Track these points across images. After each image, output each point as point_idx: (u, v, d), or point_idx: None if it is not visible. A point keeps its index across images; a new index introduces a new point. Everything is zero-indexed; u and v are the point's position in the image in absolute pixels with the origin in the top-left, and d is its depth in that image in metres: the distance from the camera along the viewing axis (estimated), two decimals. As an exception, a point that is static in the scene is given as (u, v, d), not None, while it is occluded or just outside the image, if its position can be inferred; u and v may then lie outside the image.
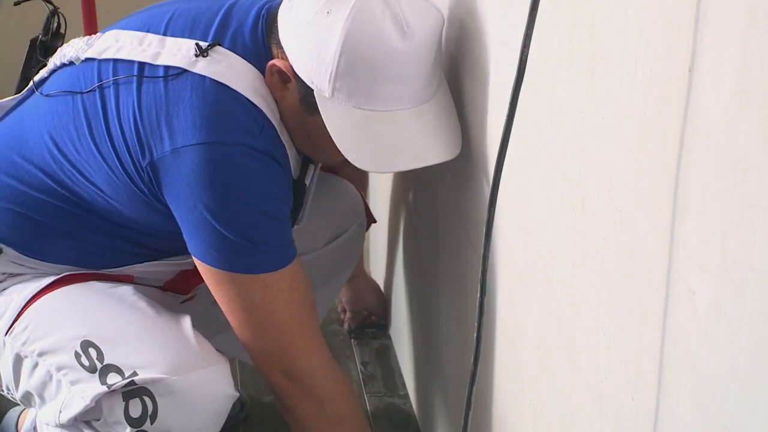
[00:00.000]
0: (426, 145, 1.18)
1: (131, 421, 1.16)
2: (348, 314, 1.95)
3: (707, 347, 0.61)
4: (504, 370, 1.10)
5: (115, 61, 1.23)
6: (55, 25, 1.52)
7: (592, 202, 0.79)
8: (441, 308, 1.45)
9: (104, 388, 1.16)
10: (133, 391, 1.16)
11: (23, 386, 1.26)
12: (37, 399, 1.26)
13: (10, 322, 1.26)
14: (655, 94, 0.66)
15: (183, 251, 1.24)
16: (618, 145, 0.73)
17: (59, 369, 1.21)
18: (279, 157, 1.21)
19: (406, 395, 1.78)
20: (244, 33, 1.22)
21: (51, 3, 1.54)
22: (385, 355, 1.90)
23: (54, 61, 1.31)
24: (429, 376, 1.60)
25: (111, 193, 1.24)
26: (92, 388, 1.17)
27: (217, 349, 1.25)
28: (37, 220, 1.28)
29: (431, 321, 1.53)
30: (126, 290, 1.30)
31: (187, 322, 1.25)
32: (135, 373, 1.16)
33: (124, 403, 1.16)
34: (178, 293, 1.44)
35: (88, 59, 1.26)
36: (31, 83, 1.33)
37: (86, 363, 1.19)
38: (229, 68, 1.19)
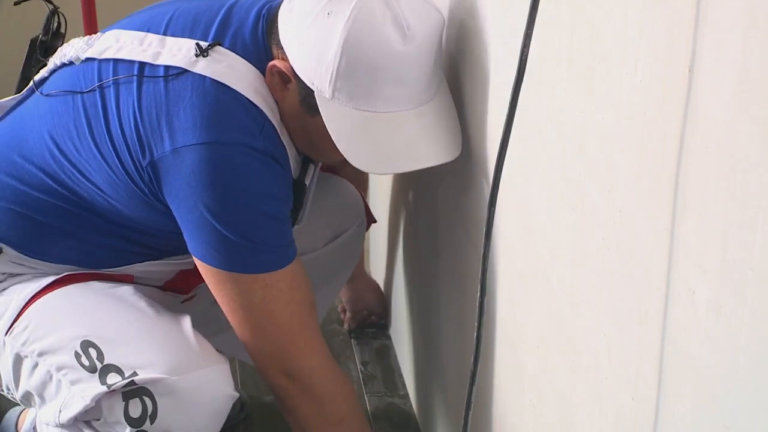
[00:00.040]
0: (426, 147, 1.18)
1: (131, 421, 1.16)
2: (348, 314, 1.95)
3: (707, 347, 0.61)
4: (504, 370, 1.10)
5: (116, 61, 1.23)
6: (55, 24, 1.52)
7: (592, 202, 0.79)
8: (441, 308, 1.45)
9: (104, 388, 1.16)
10: (133, 391, 1.16)
11: (23, 386, 1.26)
12: (37, 399, 1.26)
13: (10, 322, 1.26)
14: (655, 94, 0.66)
15: (183, 251, 1.24)
16: (618, 145, 0.73)
17: (59, 369, 1.21)
18: (279, 157, 1.21)
19: (406, 395, 1.78)
20: (245, 33, 1.22)
21: (51, 3, 1.54)
22: (385, 355, 1.90)
23: (54, 60, 1.31)
24: (429, 376, 1.60)
25: (111, 192, 1.24)
26: (92, 388, 1.17)
27: (217, 349, 1.25)
28: (37, 219, 1.28)
29: (431, 321, 1.53)
30: (126, 290, 1.30)
31: (187, 322, 1.25)
32: (135, 373, 1.16)
33: (123, 403, 1.16)
34: (178, 293, 1.44)
35: (88, 59, 1.26)
36: (31, 83, 1.33)
37: (86, 363, 1.19)
38: (229, 68, 1.19)
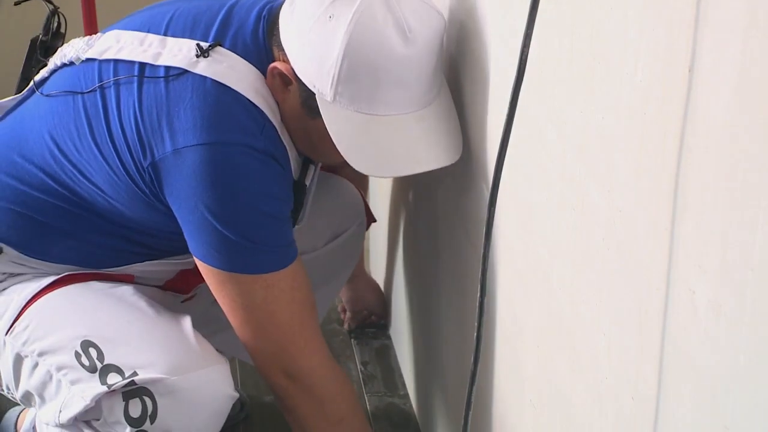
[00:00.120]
0: (427, 150, 1.18)
1: (131, 421, 1.16)
2: (348, 314, 1.95)
3: (707, 347, 0.61)
4: (504, 370, 1.10)
5: (116, 61, 1.23)
6: (55, 25, 1.52)
7: (592, 202, 0.79)
8: (441, 308, 1.45)
9: (104, 388, 1.16)
10: (133, 391, 1.16)
11: (23, 386, 1.26)
12: (37, 399, 1.26)
13: (11, 322, 1.26)
14: (655, 94, 0.66)
15: (184, 251, 1.24)
16: (618, 145, 0.73)
17: (59, 369, 1.21)
18: (280, 157, 1.21)
19: (406, 395, 1.78)
20: (245, 34, 1.22)
21: (51, 3, 1.54)
22: (385, 355, 1.90)
23: (54, 61, 1.31)
24: (429, 376, 1.60)
25: (112, 193, 1.24)
26: (92, 387, 1.17)
27: (217, 349, 1.25)
28: (37, 219, 1.28)
29: (431, 321, 1.53)
30: (126, 290, 1.30)
31: (187, 322, 1.25)
32: (135, 373, 1.16)
33: (124, 403, 1.16)
34: (178, 293, 1.44)
35: (88, 59, 1.26)
36: (31, 83, 1.33)
37: (86, 363, 1.19)
38: (229, 69, 1.19)
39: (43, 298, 1.27)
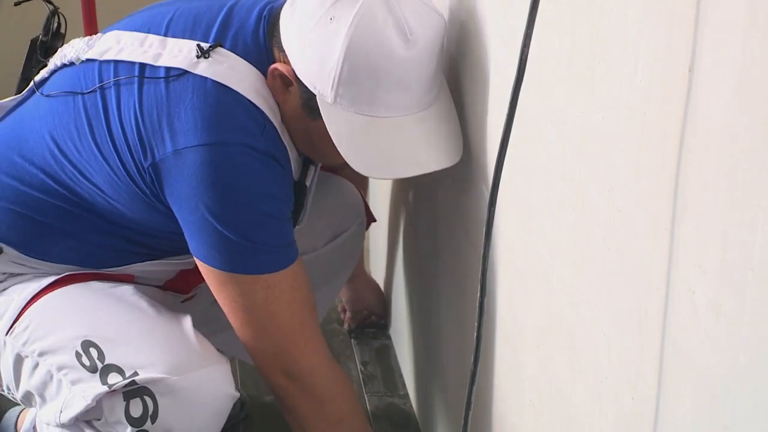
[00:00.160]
0: (427, 152, 1.18)
1: (132, 421, 1.16)
2: (348, 314, 1.95)
3: (707, 347, 0.62)
4: (504, 370, 1.10)
5: (116, 62, 1.23)
6: (55, 25, 1.52)
7: (592, 202, 0.79)
8: (441, 308, 1.45)
9: (105, 388, 1.16)
10: (134, 390, 1.16)
11: (24, 386, 1.26)
12: (37, 399, 1.26)
13: (11, 322, 1.26)
14: (655, 94, 0.66)
15: (184, 251, 1.24)
16: (618, 145, 0.73)
17: (60, 369, 1.21)
18: (280, 157, 1.21)
19: (406, 395, 1.78)
20: (246, 34, 1.22)
21: (51, 3, 1.54)
22: (385, 355, 1.90)
23: (54, 61, 1.31)
24: (429, 376, 1.60)
25: (112, 193, 1.24)
26: (93, 387, 1.17)
27: (217, 349, 1.25)
28: (37, 220, 1.28)
29: (431, 321, 1.53)
30: (126, 290, 1.30)
31: (187, 321, 1.25)
32: (136, 373, 1.16)
33: (124, 402, 1.16)
34: (178, 293, 1.44)
35: (88, 60, 1.26)
36: (31, 83, 1.33)
37: (87, 363, 1.19)
38: (230, 69, 1.19)
39: (43, 298, 1.27)
